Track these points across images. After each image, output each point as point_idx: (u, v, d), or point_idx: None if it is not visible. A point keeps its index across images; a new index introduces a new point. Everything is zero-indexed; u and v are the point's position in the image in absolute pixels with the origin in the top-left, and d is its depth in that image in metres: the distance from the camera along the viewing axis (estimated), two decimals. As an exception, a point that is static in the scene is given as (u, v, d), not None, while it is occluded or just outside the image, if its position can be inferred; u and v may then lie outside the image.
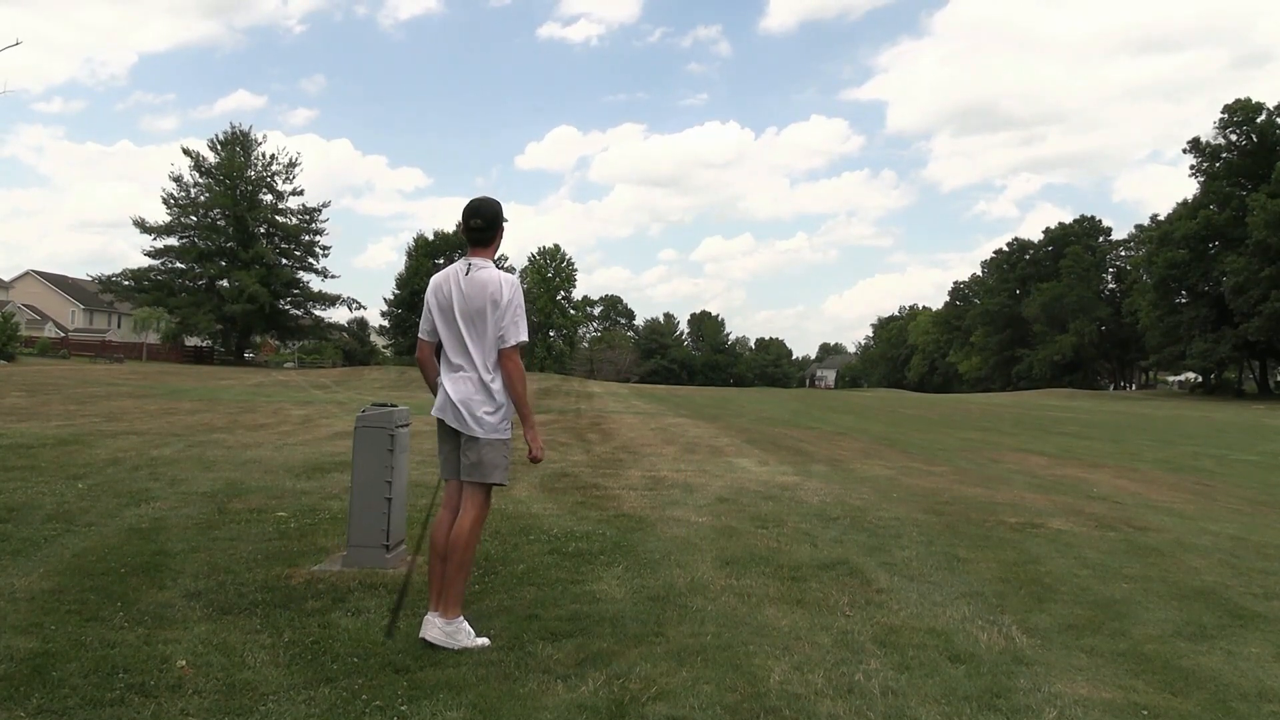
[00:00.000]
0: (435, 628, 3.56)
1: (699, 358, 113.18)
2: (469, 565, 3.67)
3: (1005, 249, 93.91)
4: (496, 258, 3.80)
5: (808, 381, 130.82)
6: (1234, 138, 57.53)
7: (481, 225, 3.67)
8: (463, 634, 3.55)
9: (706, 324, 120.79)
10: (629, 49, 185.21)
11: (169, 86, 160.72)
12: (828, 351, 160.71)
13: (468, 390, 3.60)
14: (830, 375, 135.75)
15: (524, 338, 3.60)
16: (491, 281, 3.57)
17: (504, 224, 3.73)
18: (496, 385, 3.60)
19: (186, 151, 59.44)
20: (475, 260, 3.65)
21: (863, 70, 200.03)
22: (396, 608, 3.81)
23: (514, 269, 77.56)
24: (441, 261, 71.31)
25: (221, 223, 59.42)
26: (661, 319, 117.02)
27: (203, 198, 59.20)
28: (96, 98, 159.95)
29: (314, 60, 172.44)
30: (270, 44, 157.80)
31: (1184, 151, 60.25)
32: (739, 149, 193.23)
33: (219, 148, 60.00)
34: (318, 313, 64.64)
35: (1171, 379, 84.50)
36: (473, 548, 3.65)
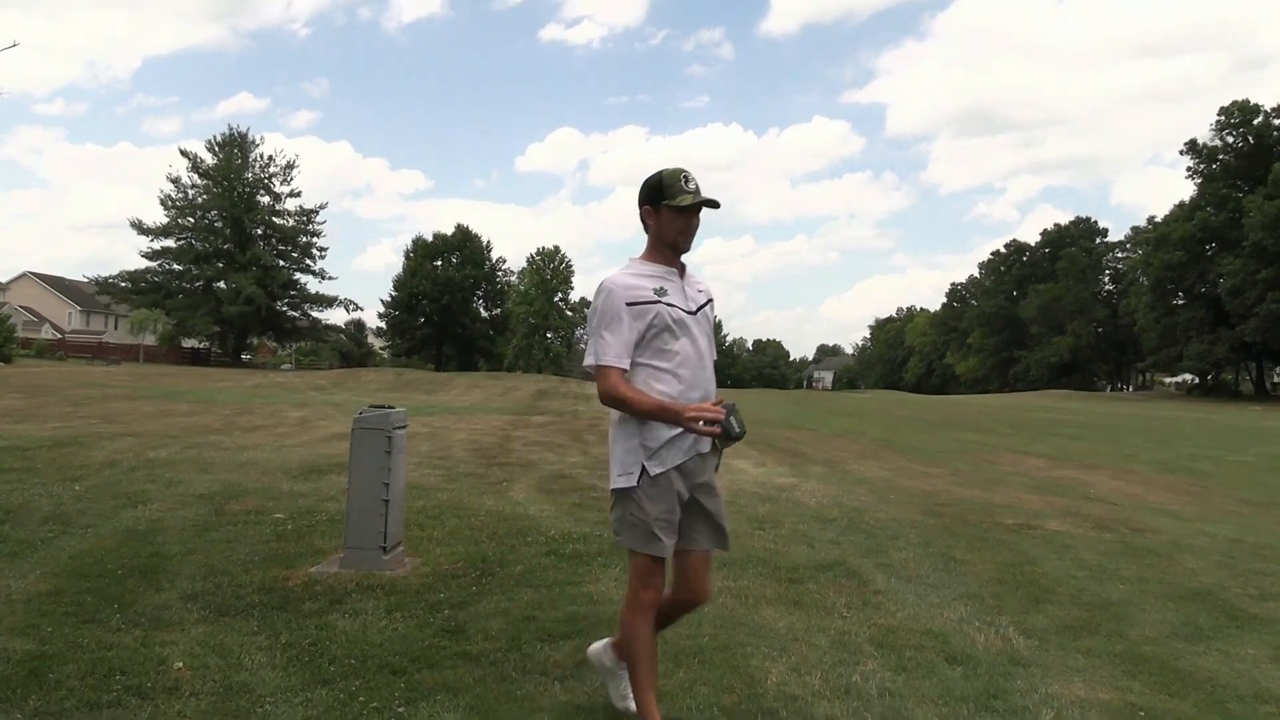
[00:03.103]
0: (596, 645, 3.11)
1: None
2: (627, 653, 2.83)
3: (1002, 251, 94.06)
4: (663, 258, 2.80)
5: (805, 383, 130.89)
6: (1231, 140, 57.57)
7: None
8: (614, 695, 3.02)
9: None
10: (631, 51, 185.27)
11: (171, 89, 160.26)
12: (825, 353, 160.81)
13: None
14: (828, 377, 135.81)
15: (599, 359, 2.66)
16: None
17: (656, 202, 2.74)
18: (612, 419, 2.81)
19: (184, 153, 59.40)
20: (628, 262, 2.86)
21: (864, 72, 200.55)
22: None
23: (511, 270, 77.23)
24: (440, 264, 71.28)
25: (219, 224, 59.34)
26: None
27: (200, 199, 59.12)
28: (98, 100, 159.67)
29: (317, 63, 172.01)
30: (273, 47, 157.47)
31: (1180, 153, 60.30)
32: (740, 151, 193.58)
33: (216, 150, 59.95)
34: (315, 314, 64.61)
35: (1168, 380, 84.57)
36: (625, 630, 2.80)
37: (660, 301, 2.68)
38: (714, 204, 2.74)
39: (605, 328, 2.66)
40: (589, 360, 2.67)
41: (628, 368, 2.66)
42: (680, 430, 2.64)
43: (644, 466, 2.68)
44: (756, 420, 22.62)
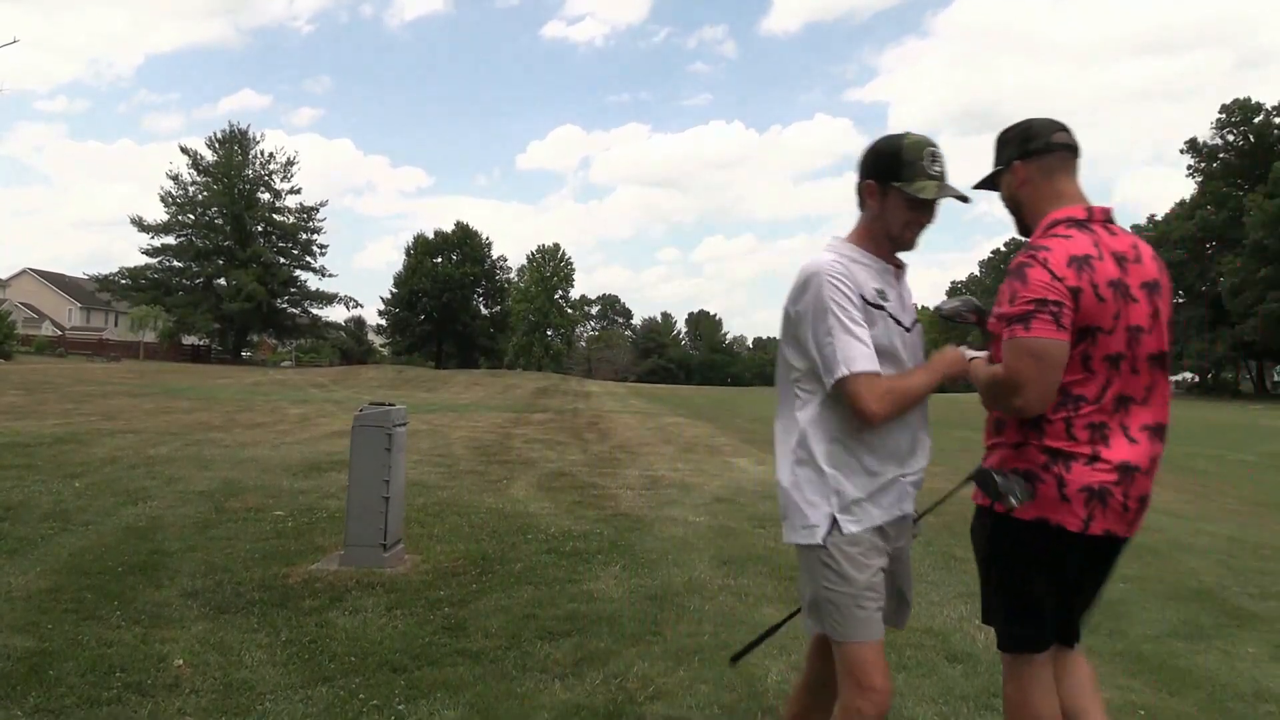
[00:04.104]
0: None
1: (696, 357, 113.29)
2: None
3: (1003, 249, 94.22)
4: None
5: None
6: (1231, 138, 57.56)
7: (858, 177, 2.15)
8: None
9: (704, 324, 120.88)
10: (634, 49, 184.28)
11: (173, 86, 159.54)
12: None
13: (779, 460, 2.14)
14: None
15: (852, 367, 1.94)
16: (798, 272, 2.06)
17: (884, 179, 2.06)
18: (800, 448, 2.06)
19: (184, 150, 59.47)
20: (831, 241, 2.17)
21: (867, 70, 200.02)
22: (754, 644, 2.69)
23: (510, 268, 77.00)
24: (440, 262, 71.22)
25: (219, 221, 59.41)
26: (659, 319, 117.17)
27: (200, 196, 59.16)
28: (100, 97, 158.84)
29: (319, 60, 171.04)
30: (276, 44, 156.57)
31: (1181, 152, 60.31)
32: (743, 149, 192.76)
33: (217, 146, 59.97)
34: (315, 311, 64.67)
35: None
36: None
37: (884, 308, 2.04)
38: (963, 198, 2.11)
39: (845, 323, 1.95)
40: (839, 370, 1.94)
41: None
42: (890, 478, 2.08)
43: (835, 520, 2.00)
44: (758, 419, 22.61)
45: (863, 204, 2.12)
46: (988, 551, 2.16)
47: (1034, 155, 2.15)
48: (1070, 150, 2.16)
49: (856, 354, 1.94)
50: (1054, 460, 1.98)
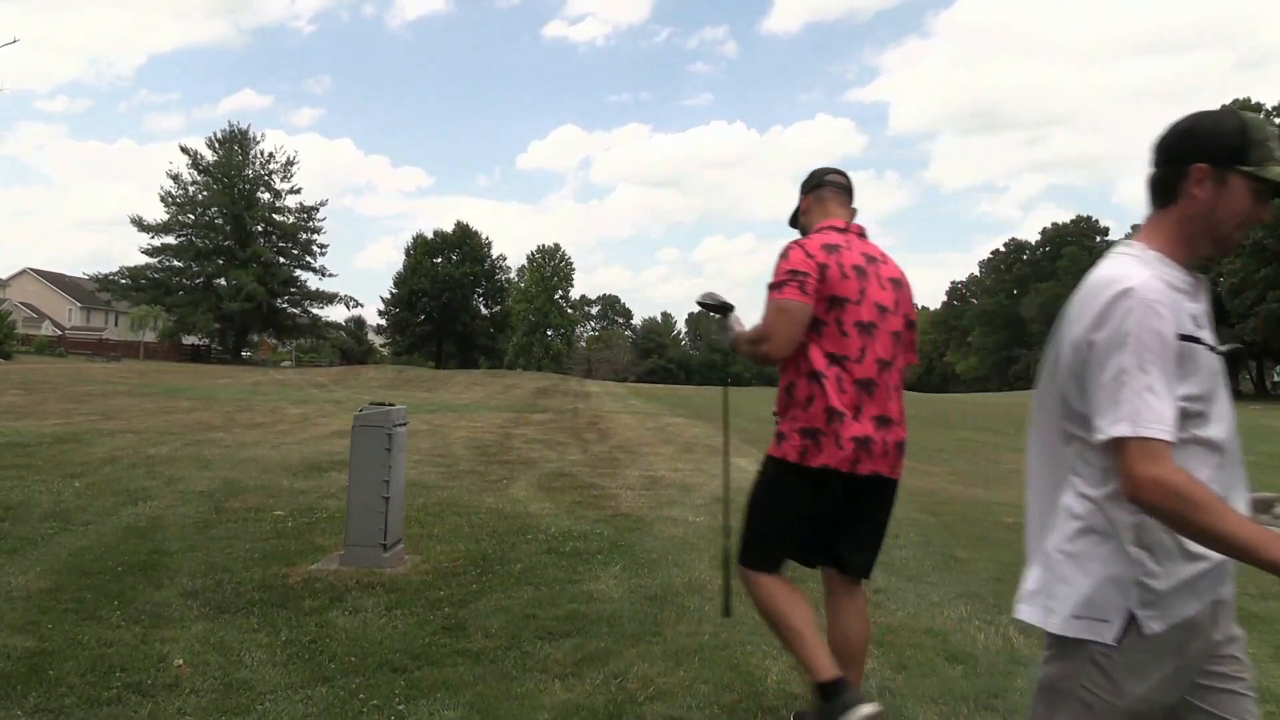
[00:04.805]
0: None
1: (696, 357, 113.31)
2: None
3: (1002, 249, 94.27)
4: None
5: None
6: (1231, 138, 57.63)
7: (1156, 164, 1.63)
8: None
9: (704, 324, 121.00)
10: (635, 49, 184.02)
11: (174, 86, 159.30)
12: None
13: (1044, 522, 1.74)
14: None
15: (1141, 427, 1.43)
16: (1094, 288, 1.55)
17: (1227, 162, 1.54)
18: (1095, 514, 1.57)
19: (185, 150, 59.41)
20: (1126, 244, 1.66)
21: (867, 70, 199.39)
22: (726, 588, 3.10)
23: (509, 267, 76.94)
24: (440, 261, 71.21)
25: (219, 221, 59.38)
26: (659, 319, 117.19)
27: (200, 196, 59.16)
28: (100, 97, 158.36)
29: (320, 60, 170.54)
30: (277, 44, 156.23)
31: (1181, 152, 60.28)
32: (743, 149, 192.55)
33: (217, 146, 59.97)
34: (315, 311, 64.66)
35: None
36: None
37: (1201, 340, 1.54)
38: None
39: (1153, 372, 1.46)
40: (1120, 428, 1.44)
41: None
42: (1217, 559, 1.57)
43: (1134, 616, 1.52)
44: (758, 419, 22.58)
45: (1174, 196, 1.60)
46: (765, 488, 2.82)
47: (813, 190, 2.97)
48: (840, 187, 2.95)
49: (1151, 411, 1.44)
50: (832, 418, 2.59)
